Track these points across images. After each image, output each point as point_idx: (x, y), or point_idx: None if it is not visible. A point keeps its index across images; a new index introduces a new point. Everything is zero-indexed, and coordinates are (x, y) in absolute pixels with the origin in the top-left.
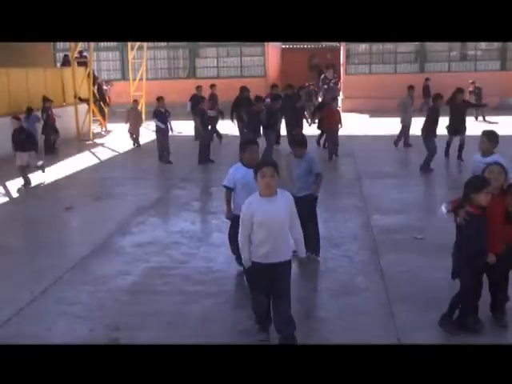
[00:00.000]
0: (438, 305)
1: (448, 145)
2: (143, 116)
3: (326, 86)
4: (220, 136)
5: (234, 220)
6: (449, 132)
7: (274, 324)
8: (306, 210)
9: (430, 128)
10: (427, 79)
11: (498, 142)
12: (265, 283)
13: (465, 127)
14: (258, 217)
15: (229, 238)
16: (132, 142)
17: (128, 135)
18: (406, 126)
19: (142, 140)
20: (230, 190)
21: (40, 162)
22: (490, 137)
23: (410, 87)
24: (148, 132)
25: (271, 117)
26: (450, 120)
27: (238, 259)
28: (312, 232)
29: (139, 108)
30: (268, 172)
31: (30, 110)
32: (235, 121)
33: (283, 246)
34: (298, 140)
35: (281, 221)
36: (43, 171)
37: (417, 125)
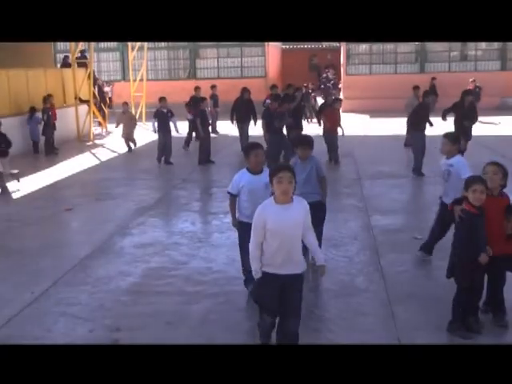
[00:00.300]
0: (438, 305)
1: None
2: (143, 117)
3: (322, 86)
4: (189, 142)
5: (241, 227)
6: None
7: (277, 338)
8: (317, 216)
9: (418, 125)
10: (433, 78)
11: (460, 143)
12: (275, 297)
13: (471, 134)
14: (271, 224)
15: (240, 249)
16: (127, 148)
17: (123, 141)
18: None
19: (142, 141)
20: (234, 197)
21: (15, 171)
22: (452, 138)
23: (416, 87)
24: (147, 132)
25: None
26: (457, 126)
27: (248, 282)
28: (318, 237)
29: (131, 110)
30: (285, 178)
31: (32, 110)
32: (235, 122)
33: (297, 257)
34: (304, 140)
35: (296, 230)
36: (18, 180)
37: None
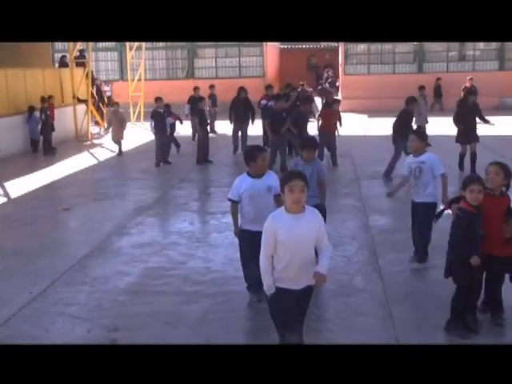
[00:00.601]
0: (436, 305)
1: (462, 157)
2: (141, 116)
3: (320, 87)
4: (177, 145)
5: (242, 236)
6: (460, 142)
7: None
8: None
9: (400, 131)
10: (438, 79)
11: (428, 140)
12: (294, 309)
13: (477, 135)
14: (282, 235)
15: (240, 259)
16: (118, 149)
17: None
18: (420, 127)
19: (140, 141)
20: (235, 204)
21: None
22: (420, 136)
23: (421, 87)
24: (146, 132)
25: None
26: (461, 126)
27: (252, 288)
28: None
29: (122, 110)
30: (297, 186)
31: (31, 110)
32: (233, 122)
33: (310, 270)
34: (310, 142)
35: (308, 241)
36: None
37: (432, 125)
